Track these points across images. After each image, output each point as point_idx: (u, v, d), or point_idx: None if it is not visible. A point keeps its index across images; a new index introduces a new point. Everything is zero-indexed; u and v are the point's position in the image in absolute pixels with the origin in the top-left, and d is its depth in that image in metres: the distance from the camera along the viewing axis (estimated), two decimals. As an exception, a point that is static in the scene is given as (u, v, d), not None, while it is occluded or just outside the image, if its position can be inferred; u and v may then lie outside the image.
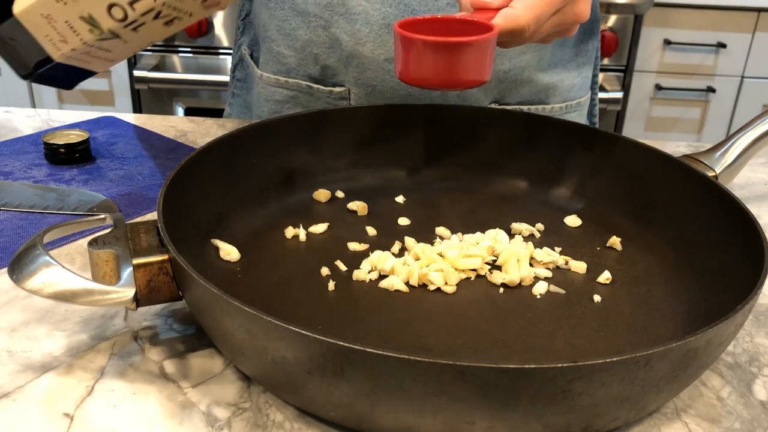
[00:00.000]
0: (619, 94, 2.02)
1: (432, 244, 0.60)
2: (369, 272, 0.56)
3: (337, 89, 0.82)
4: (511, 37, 0.54)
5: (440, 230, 0.63)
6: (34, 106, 2.15)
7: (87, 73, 0.61)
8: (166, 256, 0.47)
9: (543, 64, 0.83)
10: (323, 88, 0.83)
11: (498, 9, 0.54)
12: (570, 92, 0.87)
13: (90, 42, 0.56)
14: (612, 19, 1.95)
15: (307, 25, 0.80)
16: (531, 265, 0.58)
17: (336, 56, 0.80)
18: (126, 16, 0.53)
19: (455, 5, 0.76)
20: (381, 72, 0.79)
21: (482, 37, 0.52)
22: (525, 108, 0.85)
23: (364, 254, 0.59)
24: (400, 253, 0.59)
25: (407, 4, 0.76)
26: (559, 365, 0.37)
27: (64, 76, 0.60)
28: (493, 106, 0.83)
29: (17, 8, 0.55)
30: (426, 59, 0.52)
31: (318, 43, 0.80)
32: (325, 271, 0.56)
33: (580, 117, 0.91)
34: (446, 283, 0.55)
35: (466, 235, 0.61)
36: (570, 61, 0.86)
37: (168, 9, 0.54)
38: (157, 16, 0.54)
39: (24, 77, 0.59)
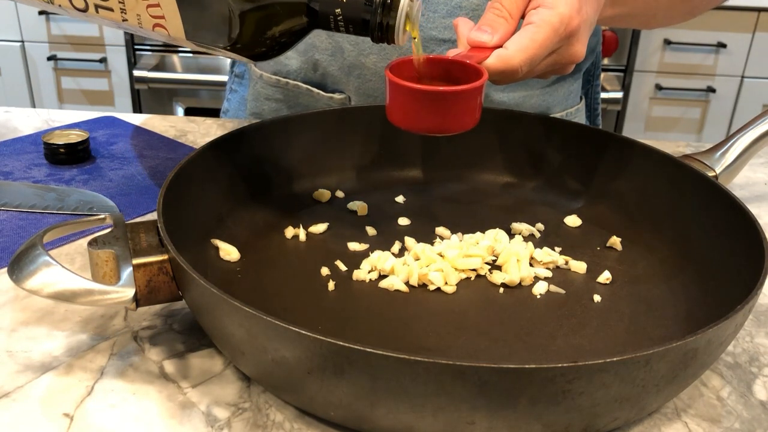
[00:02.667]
0: (619, 94, 2.02)
1: (432, 244, 0.60)
2: (369, 272, 0.56)
3: (338, 96, 0.82)
4: (503, 77, 0.54)
5: (440, 230, 0.63)
6: (34, 106, 2.15)
7: None
8: (166, 256, 0.47)
9: (533, 84, 0.83)
10: (324, 93, 0.83)
11: (494, 48, 0.54)
12: (559, 106, 0.87)
13: None
14: (612, 19, 1.94)
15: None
16: (531, 265, 0.58)
17: (338, 64, 0.80)
18: (86, 8, 0.50)
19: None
20: (382, 84, 0.79)
21: (469, 86, 0.52)
22: None
23: (364, 254, 0.59)
24: (400, 253, 0.59)
25: None
26: (559, 365, 0.37)
27: None
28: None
29: None
30: (414, 105, 0.52)
31: (321, 49, 0.80)
32: (325, 271, 0.56)
33: (581, 121, 0.91)
34: (446, 283, 0.55)
35: (466, 235, 0.61)
36: (556, 81, 0.85)
37: (128, 25, 0.51)
38: (116, 23, 0.52)
39: None
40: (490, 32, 0.55)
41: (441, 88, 0.52)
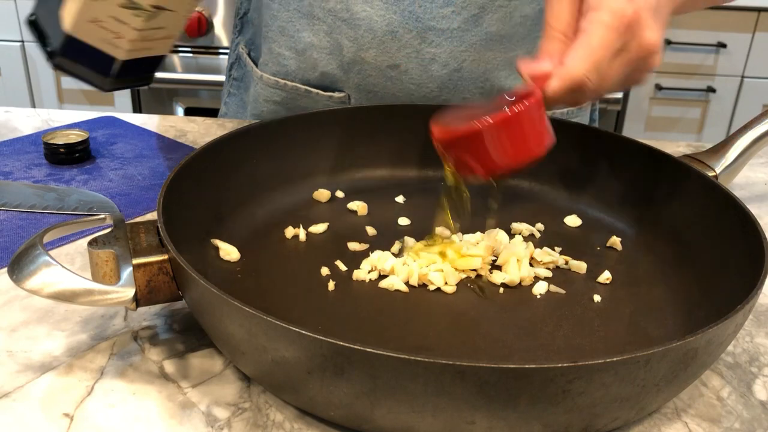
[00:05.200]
0: (619, 94, 2.02)
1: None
2: (369, 272, 0.56)
3: (337, 94, 0.82)
4: (574, 95, 0.50)
5: (440, 230, 0.63)
6: (34, 106, 2.15)
7: (156, 60, 0.63)
8: (166, 256, 0.47)
9: None
10: (322, 92, 0.83)
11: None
12: None
13: (141, 27, 0.57)
14: (612, 19, 1.94)
15: (311, 27, 0.80)
16: (531, 265, 0.58)
17: (336, 62, 0.80)
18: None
19: (459, 12, 0.75)
20: (383, 78, 0.79)
21: (500, 117, 0.48)
22: None
23: (364, 254, 0.59)
24: (400, 253, 0.59)
25: (412, 11, 0.76)
26: (559, 365, 0.37)
27: (137, 71, 0.62)
28: None
29: (67, 25, 0.56)
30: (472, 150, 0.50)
31: (319, 48, 0.80)
32: (325, 271, 0.56)
33: (582, 120, 0.91)
34: (446, 283, 0.55)
35: (466, 235, 0.61)
36: None
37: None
38: None
39: (107, 90, 0.60)
40: (548, 59, 0.50)
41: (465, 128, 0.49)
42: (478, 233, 0.61)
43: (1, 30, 2.06)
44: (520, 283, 0.56)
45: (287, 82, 0.84)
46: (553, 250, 0.60)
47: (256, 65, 0.89)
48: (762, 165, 0.83)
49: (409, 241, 0.60)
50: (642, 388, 0.40)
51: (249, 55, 0.92)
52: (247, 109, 0.91)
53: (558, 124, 0.70)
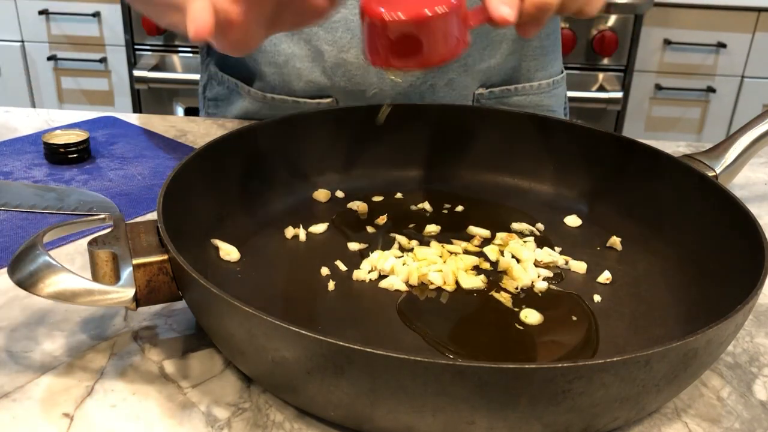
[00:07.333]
0: (619, 94, 2.02)
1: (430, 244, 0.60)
2: (369, 272, 0.56)
3: (325, 100, 0.82)
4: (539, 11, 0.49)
5: (439, 229, 0.63)
6: (34, 106, 2.15)
7: None
8: (165, 256, 0.47)
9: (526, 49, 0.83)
10: (310, 101, 0.82)
11: None
12: (553, 67, 0.88)
13: None
14: (612, 19, 1.94)
15: (290, 38, 0.79)
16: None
17: (319, 69, 0.80)
18: None
19: None
20: (369, 76, 0.79)
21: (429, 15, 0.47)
22: (512, 88, 0.85)
23: (364, 254, 0.59)
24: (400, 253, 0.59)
25: None
26: (559, 365, 0.37)
27: None
28: (482, 91, 0.84)
29: None
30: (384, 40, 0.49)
31: (300, 57, 0.80)
32: (325, 271, 0.56)
33: (562, 93, 0.92)
34: (446, 283, 0.55)
35: (473, 228, 0.61)
36: (546, 37, 0.86)
37: None
38: None
39: None
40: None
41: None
42: (478, 235, 0.61)
43: (1, 30, 2.06)
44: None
45: (274, 96, 0.84)
46: (553, 250, 0.60)
47: (240, 81, 0.86)
48: (762, 165, 0.83)
49: (403, 239, 0.60)
50: (642, 388, 0.40)
51: (224, 71, 0.89)
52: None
53: (558, 125, 0.70)
